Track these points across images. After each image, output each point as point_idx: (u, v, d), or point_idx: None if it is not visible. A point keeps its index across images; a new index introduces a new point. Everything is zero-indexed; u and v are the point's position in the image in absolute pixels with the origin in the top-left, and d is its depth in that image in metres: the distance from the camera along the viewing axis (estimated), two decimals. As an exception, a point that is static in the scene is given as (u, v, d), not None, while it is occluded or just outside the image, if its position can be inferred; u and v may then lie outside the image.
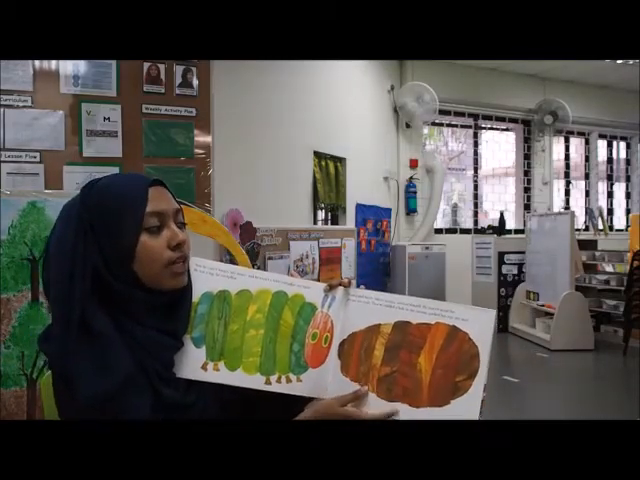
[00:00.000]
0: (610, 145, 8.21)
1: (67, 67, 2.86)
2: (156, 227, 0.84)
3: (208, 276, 0.94)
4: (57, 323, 0.81)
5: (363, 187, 5.44)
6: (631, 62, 6.35)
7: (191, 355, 0.89)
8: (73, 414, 0.81)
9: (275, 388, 0.91)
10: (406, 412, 0.87)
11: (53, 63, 2.84)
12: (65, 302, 0.79)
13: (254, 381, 0.90)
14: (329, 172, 4.85)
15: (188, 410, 0.86)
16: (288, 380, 0.91)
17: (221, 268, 0.95)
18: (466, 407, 0.84)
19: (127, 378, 0.78)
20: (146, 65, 3.02)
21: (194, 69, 3.14)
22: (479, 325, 0.87)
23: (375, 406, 0.89)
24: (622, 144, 8.30)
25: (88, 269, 0.80)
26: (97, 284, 0.81)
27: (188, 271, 0.91)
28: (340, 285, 0.95)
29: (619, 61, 6.32)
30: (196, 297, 0.92)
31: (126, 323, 0.82)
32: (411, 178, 6.38)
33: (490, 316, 0.88)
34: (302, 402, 0.93)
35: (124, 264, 0.82)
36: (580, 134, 7.89)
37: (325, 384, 0.92)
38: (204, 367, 0.90)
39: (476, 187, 7.24)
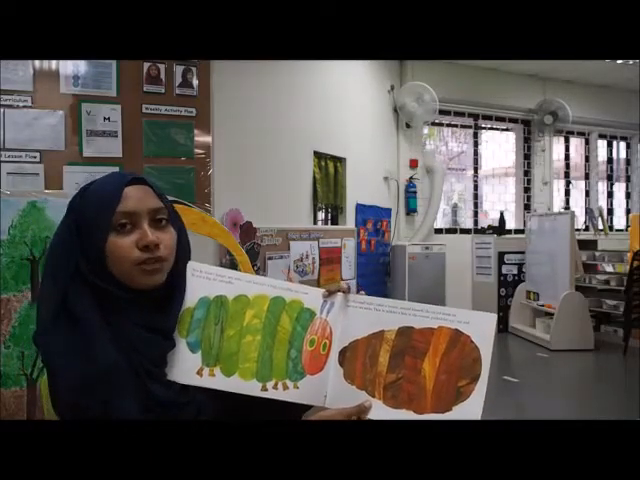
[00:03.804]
0: (610, 145, 8.20)
1: (67, 67, 2.85)
2: (124, 226, 0.85)
3: (205, 281, 0.93)
4: (44, 311, 0.84)
5: (363, 187, 5.43)
6: (631, 62, 6.35)
7: (187, 360, 0.89)
8: (63, 400, 0.81)
9: (271, 394, 0.90)
10: (410, 419, 0.87)
11: (53, 63, 2.84)
12: (50, 295, 0.83)
13: (250, 387, 0.89)
14: (329, 172, 4.85)
15: (182, 408, 0.86)
16: (285, 387, 0.90)
17: (218, 273, 0.94)
18: (467, 414, 0.84)
19: (111, 366, 0.79)
20: (146, 65, 3.02)
21: (194, 69, 3.14)
22: (481, 328, 0.87)
23: (382, 414, 0.88)
24: (622, 144, 8.29)
25: (71, 266, 0.84)
26: (81, 282, 0.84)
27: (175, 272, 0.90)
28: (339, 291, 0.94)
29: (619, 61, 6.32)
30: (193, 302, 0.91)
31: (113, 318, 0.84)
32: (411, 178, 6.38)
33: (492, 320, 0.88)
34: (300, 409, 0.92)
35: (99, 262, 0.84)
36: (580, 134, 7.88)
37: (323, 391, 0.91)
38: (199, 372, 0.89)
39: (476, 187, 7.24)
